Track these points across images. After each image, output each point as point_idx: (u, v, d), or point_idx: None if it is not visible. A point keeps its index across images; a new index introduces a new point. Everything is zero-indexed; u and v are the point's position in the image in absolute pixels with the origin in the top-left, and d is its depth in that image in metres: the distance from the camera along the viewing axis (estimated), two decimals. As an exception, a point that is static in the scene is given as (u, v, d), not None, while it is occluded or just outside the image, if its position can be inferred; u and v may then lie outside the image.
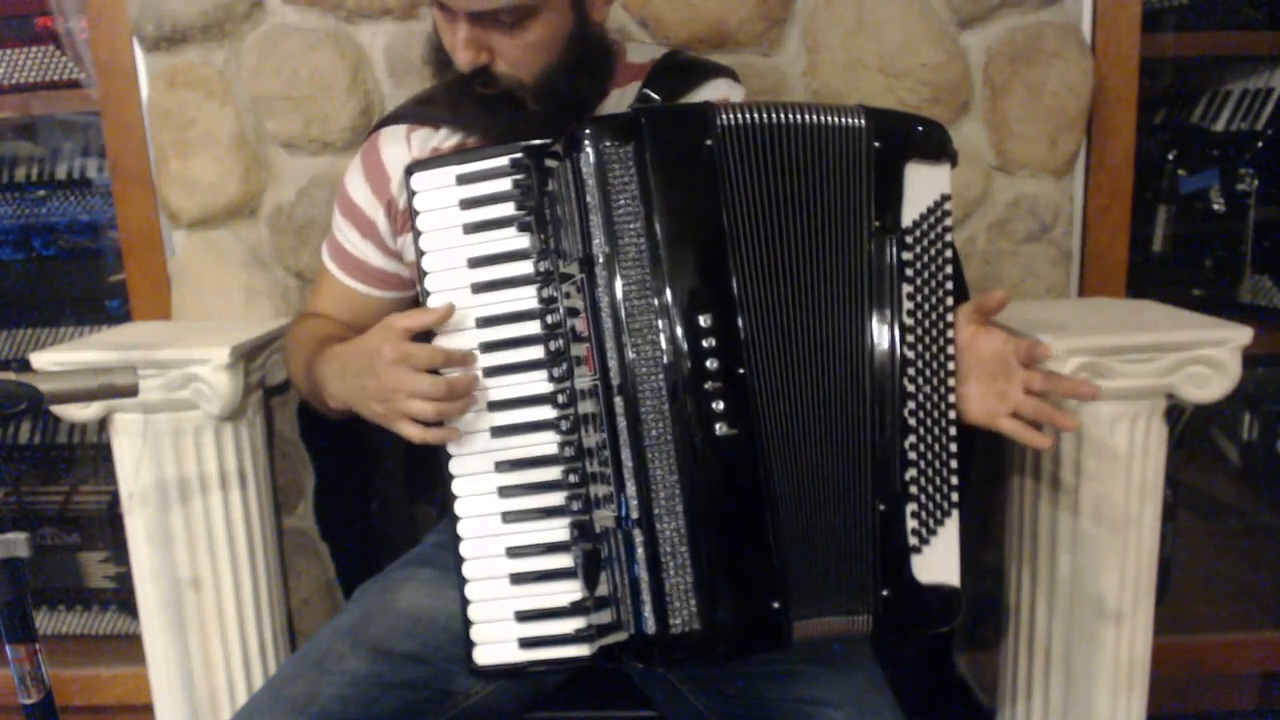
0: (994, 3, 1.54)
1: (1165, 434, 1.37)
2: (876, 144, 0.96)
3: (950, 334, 0.98)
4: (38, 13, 1.75)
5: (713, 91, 1.21)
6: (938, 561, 0.96)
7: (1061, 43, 1.53)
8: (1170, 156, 1.87)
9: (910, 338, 0.96)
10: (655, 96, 1.16)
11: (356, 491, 1.63)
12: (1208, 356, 1.30)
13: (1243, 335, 1.30)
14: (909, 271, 0.96)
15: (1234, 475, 2.06)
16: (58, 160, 1.90)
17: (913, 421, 0.96)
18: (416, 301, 1.05)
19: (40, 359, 1.35)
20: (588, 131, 0.92)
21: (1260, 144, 1.83)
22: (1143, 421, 1.34)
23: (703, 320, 0.91)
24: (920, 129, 0.99)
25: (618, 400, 0.91)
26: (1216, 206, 1.88)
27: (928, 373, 0.97)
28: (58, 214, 1.91)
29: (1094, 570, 1.37)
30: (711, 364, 0.91)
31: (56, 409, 1.40)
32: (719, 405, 0.91)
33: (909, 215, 0.97)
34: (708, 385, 0.91)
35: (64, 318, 1.94)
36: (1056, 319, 1.40)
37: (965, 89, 1.56)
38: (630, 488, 0.91)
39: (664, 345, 0.91)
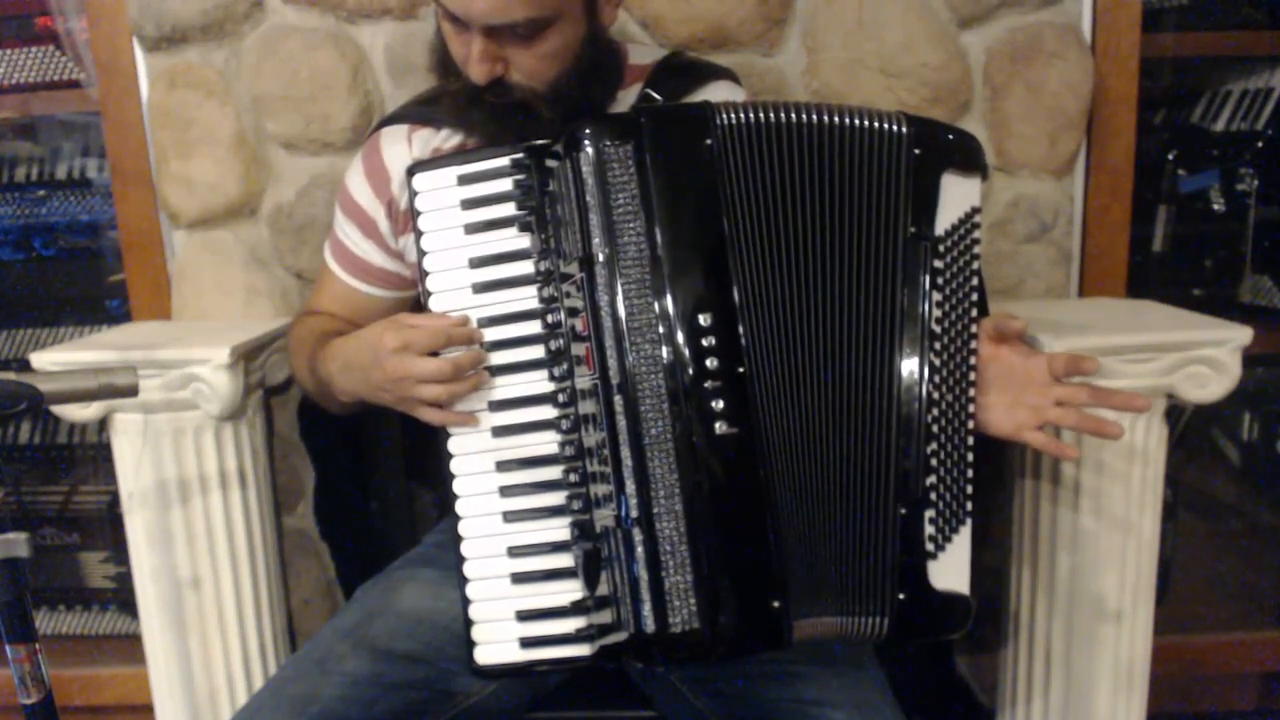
0: (994, 3, 1.54)
1: (1165, 434, 1.37)
2: (916, 151, 0.96)
3: (973, 344, 0.98)
4: (38, 13, 1.74)
5: (714, 93, 1.21)
6: (952, 568, 0.96)
7: (1061, 43, 1.53)
8: (1170, 156, 1.86)
9: (937, 345, 0.96)
10: (657, 97, 1.16)
11: (356, 491, 1.62)
12: (1208, 356, 1.30)
13: (1243, 335, 1.30)
14: (939, 280, 0.97)
15: (1234, 475, 2.05)
16: (58, 160, 1.90)
17: (935, 429, 0.96)
18: (418, 300, 1.05)
19: (40, 359, 1.35)
20: (587, 131, 0.92)
21: (1260, 144, 1.82)
22: (1143, 422, 1.34)
23: (702, 319, 0.91)
24: (957, 140, 0.99)
25: (617, 399, 0.91)
26: (1216, 206, 1.88)
27: (951, 381, 0.97)
28: (58, 214, 1.91)
29: (1094, 570, 1.37)
30: (711, 363, 0.91)
31: (56, 409, 1.40)
32: (719, 404, 0.91)
33: (942, 224, 0.97)
34: (707, 384, 0.91)
35: (64, 318, 1.94)
36: (1056, 319, 1.40)
37: (965, 89, 1.56)
38: (630, 487, 0.91)
39: (663, 344, 0.91)
